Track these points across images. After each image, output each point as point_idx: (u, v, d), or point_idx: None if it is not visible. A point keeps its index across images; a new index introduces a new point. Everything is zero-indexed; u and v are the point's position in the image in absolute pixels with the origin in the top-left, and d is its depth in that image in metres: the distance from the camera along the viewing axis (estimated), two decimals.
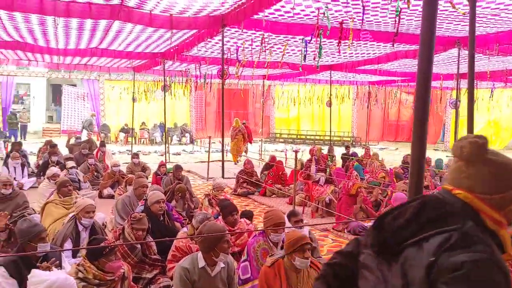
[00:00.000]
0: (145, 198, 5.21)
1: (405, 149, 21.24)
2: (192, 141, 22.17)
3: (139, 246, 4.10)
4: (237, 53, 8.43)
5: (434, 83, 15.89)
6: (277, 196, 9.50)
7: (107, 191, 9.02)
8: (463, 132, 21.25)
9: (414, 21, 7.81)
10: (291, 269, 3.58)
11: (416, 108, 2.64)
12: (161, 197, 5.09)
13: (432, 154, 16.59)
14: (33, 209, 6.67)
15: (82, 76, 21.62)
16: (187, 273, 3.37)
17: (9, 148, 12.92)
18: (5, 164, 9.92)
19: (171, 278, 4.14)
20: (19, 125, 20.24)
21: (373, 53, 11.11)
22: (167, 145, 14.95)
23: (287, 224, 4.85)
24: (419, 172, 2.59)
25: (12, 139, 18.36)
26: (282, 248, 4.20)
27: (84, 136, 18.23)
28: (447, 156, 13.56)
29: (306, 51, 7.66)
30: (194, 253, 3.59)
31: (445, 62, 11.98)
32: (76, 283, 3.20)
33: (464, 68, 10.91)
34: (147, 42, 10.68)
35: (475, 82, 13.73)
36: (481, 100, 19.27)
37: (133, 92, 16.97)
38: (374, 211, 7.19)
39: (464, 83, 10.56)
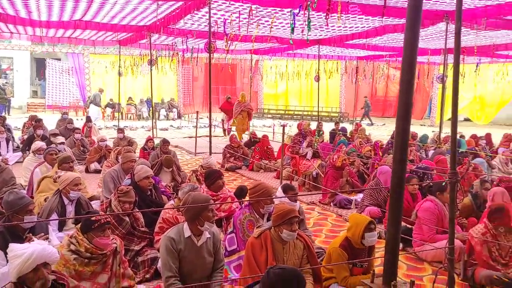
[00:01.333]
0: (133, 172, 5.18)
1: (393, 125, 21.42)
2: (179, 117, 22.04)
3: (127, 218, 4.12)
4: (224, 26, 8.31)
5: (421, 58, 15.91)
6: (264, 170, 9.57)
7: (93, 166, 9.01)
8: (449, 107, 21.50)
9: None
10: (278, 241, 3.64)
11: (401, 82, 2.64)
12: (149, 173, 5.08)
13: (418, 129, 16.77)
14: (21, 184, 6.64)
15: (67, 49, 21.18)
16: (173, 242, 3.40)
17: None
18: None
19: (158, 250, 4.18)
20: (7, 101, 19.91)
21: (362, 27, 11.03)
22: (154, 121, 14.84)
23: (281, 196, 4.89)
24: (403, 145, 2.62)
25: None
26: (268, 220, 4.26)
27: (92, 112, 18.00)
28: (432, 132, 13.70)
29: (294, 24, 7.57)
30: (180, 224, 3.61)
31: (433, 36, 11.95)
32: (68, 255, 3.22)
33: (452, 43, 10.91)
34: (132, 15, 10.45)
35: (462, 57, 13.78)
36: (468, 75, 19.39)
37: (119, 67, 16.70)
38: (359, 184, 7.30)
39: (451, 58, 10.63)
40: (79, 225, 3.38)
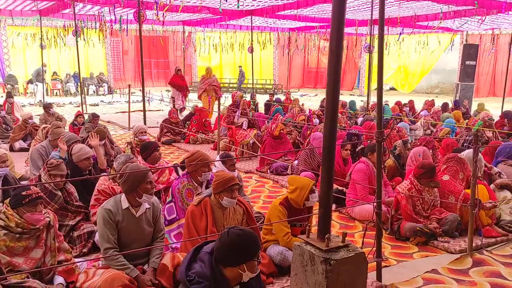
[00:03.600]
0: (70, 152, 4.86)
1: (324, 95, 22.10)
2: (110, 91, 21.16)
3: (59, 193, 3.97)
4: None
5: (349, 29, 16.40)
6: (201, 142, 9.55)
7: (18, 144, 8.53)
8: (376, 77, 22.51)
9: None
10: (217, 207, 3.71)
11: (330, 52, 2.76)
12: (89, 154, 4.78)
13: (348, 98, 17.42)
14: None
15: None
16: (110, 214, 3.33)
17: None
18: None
19: (95, 223, 4.10)
20: None
21: None
22: (83, 96, 14.16)
23: (220, 165, 4.94)
24: (333, 113, 2.76)
25: None
26: (207, 187, 4.32)
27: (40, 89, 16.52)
28: (361, 101, 14.34)
29: None
30: (117, 195, 3.54)
31: (360, 8, 12.34)
32: None
33: (377, 14, 11.34)
34: None
35: (386, 28, 14.40)
36: (393, 46, 20.33)
37: (41, 39, 15.61)
38: (294, 153, 7.53)
39: (376, 29, 11.14)
40: (7, 200, 3.21)
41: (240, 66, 23.75)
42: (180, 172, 5.34)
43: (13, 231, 3.09)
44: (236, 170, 5.02)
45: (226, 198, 3.62)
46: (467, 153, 5.17)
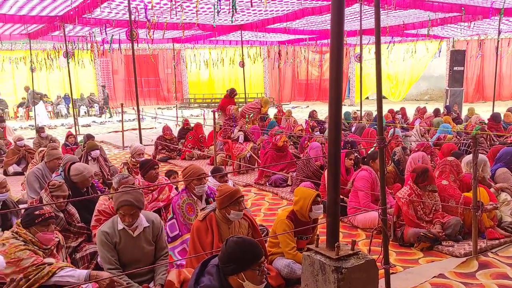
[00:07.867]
0: (60, 170, 4.87)
1: (315, 106, 22.18)
2: (101, 112, 21.06)
3: (61, 214, 3.92)
4: (145, 13, 8.01)
5: None
6: (197, 158, 9.53)
7: (12, 168, 8.43)
8: (367, 86, 22.70)
9: None
10: (223, 221, 3.68)
11: (331, 66, 2.78)
12: (91, 173, 4.79)
13: None
14: None
15: None
16: (107, 236, 3.32)
17: None
18: None
19: None
20: None
21: (282, 11, 11.24)
22: (75, 117, 14.08)
23: (212, 180, 4.95)
24: (337, 120, 2.78)
25: None
26: (206, 201, 4.30)
27: (41, 111, 16.14)
28: (351, 110, 14.45)
29: (220, 5, 7.49)
30: (114, 216, 3.49)
31: (348, 18, 12.47)
32: (17, 242, 3.06)
33: (365, 24, 11.48)
34: (43, 4, 9.76)
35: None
36: (382, 55, 20.52)
37: (31, 62, 15.56)
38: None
39: (365, 39, 11.28)
40: (19, 220, 3.20)
41: (103, 86, 21.54)
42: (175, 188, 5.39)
43: (29, 249, 3.07)
44: (230, 180, 5.02)
45: (233, 212, 3.59)
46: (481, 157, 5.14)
